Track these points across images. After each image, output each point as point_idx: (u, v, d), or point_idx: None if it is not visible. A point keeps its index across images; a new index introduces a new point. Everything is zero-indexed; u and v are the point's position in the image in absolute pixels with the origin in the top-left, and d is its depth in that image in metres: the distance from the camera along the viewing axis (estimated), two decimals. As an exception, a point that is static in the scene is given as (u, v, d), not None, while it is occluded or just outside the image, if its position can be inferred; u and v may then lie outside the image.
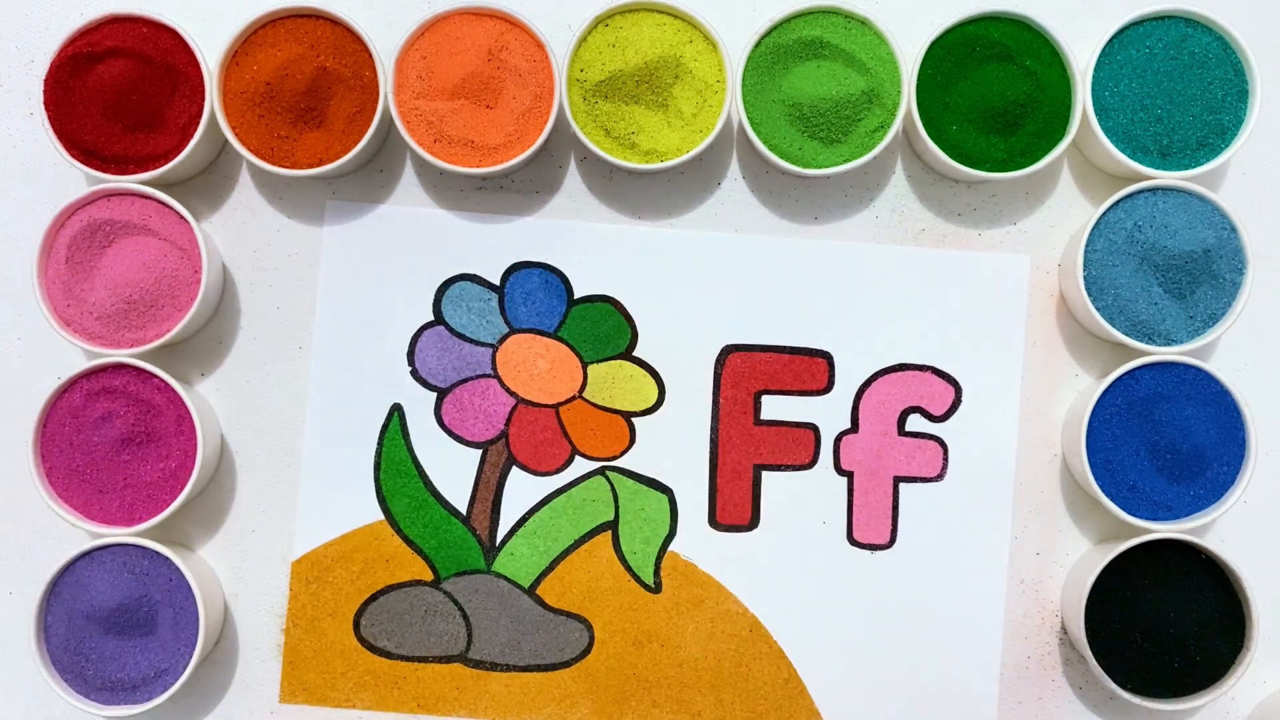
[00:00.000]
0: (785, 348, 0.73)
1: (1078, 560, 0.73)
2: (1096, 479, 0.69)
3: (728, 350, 0.74)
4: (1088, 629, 0.69)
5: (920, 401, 0.73)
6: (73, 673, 0.69)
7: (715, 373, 0.74)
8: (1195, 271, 0.69)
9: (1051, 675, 0.73)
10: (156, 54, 0.70)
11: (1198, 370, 0.70)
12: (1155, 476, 0.70)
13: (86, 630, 0.69)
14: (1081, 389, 0.73)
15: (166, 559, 0.69)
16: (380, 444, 0.73)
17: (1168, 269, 0.69)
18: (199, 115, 0.70)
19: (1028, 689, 0.73)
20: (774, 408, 0.73)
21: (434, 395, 0.73)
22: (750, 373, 0.73)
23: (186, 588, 0.69)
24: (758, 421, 0.73)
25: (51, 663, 0.69)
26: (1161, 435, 0.69)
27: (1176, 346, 0.70)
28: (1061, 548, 0.74)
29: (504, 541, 0.73)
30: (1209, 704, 0.69)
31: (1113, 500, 0.69)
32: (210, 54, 0.70)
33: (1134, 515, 0.69)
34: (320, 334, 0.74)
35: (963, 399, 0.73)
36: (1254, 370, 0.74)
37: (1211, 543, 0.69)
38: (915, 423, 0.73)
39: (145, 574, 0.70)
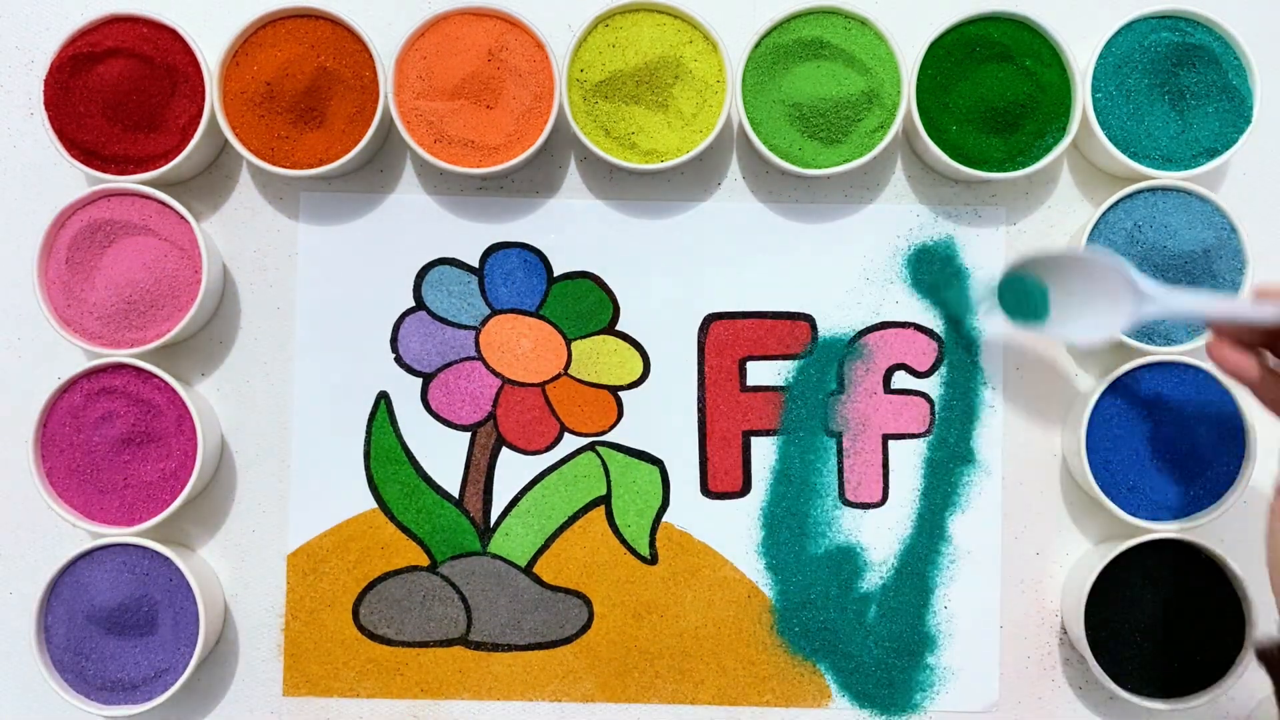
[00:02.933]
0: (767, 313, 0.74)
1: (1077, 560, 0.73)
2: (1096, 479, 0.69)
3: (710, 319, 0.74)
4: (1087, 629, 0.69)
5: (904, 358, 0.74)
6: (73, 673, 0.69)
7: (699, 342, 0.74)
8: (1195, 271, 0.69)
9: (1051, 675, 0.73)
10: (156, 54, 0.70)
11: (1198, 370, 0.70)
12: (1155, 476, 0.70)
13: (87, 630, 0.69)
14: (1081, 389, 0.73)
15: (166, 559, 0.69)
16: (369, 432, 0.74)
17: (1168, 269, 0.69)
18: (199, 115, 0.70)
19: (1028, 689, 0.73)
20: (759, 373, 0.74)
21: (420, 381, 0.74)
22: (733, 340, 0.74)
23: (186, 588, 0.69)
24: (744, 388, 0.74)
25: (52, 663, 0.69)
26: (1161, 435, 0.69)
27: (1176, 346, 0.70)
28: (1061, 548, 0.74)
29: (498, 522, 0.73)
30: (1209, 704, 0.69)
31: (1113, 500, 0.69)
32: (210, 54, 0.70)
33: (1134, 515, 0.69)
34: (302, 325, 0.74)
35: (945, 353, 0.73)
36: (1254, 370, 0.74)
37: (1211, 543, 0.69)
38: (900, 380, 0.74)
39: (145, 574, 0.70)
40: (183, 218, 0.70)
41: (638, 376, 0.74)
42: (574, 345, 0.74)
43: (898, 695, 0.73)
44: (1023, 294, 0.68)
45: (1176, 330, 0.70)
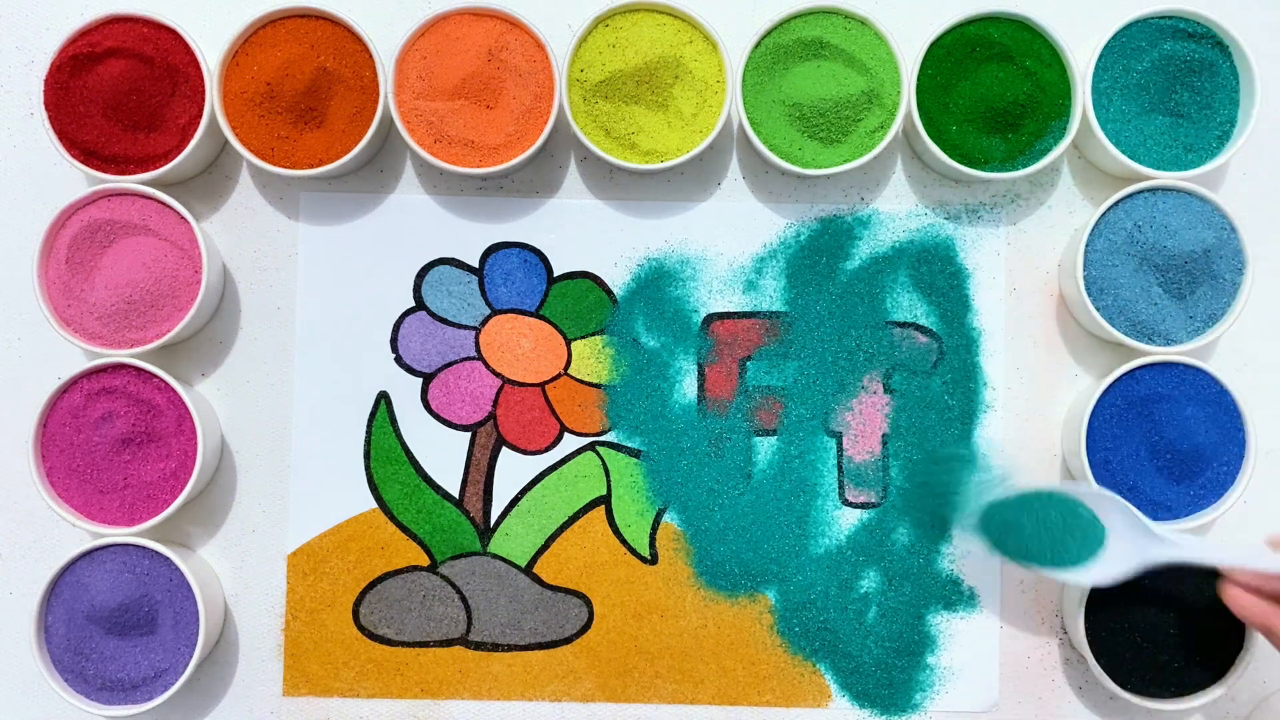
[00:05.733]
0: (767, 313, 0.74)
1: (1078, 560, 0.73)
2: (1096, 479, 0.69)
3: (710, 319, 0.74)
4: (1088, 629, 0.69)
5: (904, 358, 0.73)
6: (73, 673, 0.69)
7: (699, 342, 0.74)
8: (1195, 271, 0.69)
9: (1051, 675, 0.73)
10: (156, 54, 0.70)
11: (1197, 370, 0.70)
12: (1155, 476, 0.70)
13: (87, 630, 0.69)
14: (1081, 389, 0.73)
15: (166, 559, 0.69)
16: (369, 432, 0.74)
17: (1168, 269, 0.69)
18: (199, 115, 0.70)
19: (1028, 689, 0.73)
20: (759, 373, 0.74)
21: (420, 381, 0.74)
22: (733, 340, 0.74)
23: (187, 588, 0.69)
24: (744, 388, 0.74)
25: (52, 663, 0.69)
26: (1161, 435, 0.69)
27: (1176, 346, 0.70)
28: (1061, 548, 0.74)
29: (498, 522, 0.73)
30: (1209, 704, 0.69)
31: (1113, 500, 0.69)
32: (210, 54, 0.70)
33: (1134, 515, 0.69)
34: (302, 326, 0.74)
35: (945, 353, 0.73)
36: (1254, 370, 0.74)
37: (1211, 543, 0.69)
38: (900, 380, 0.73)
39: (145, 574, 0.70)
40: (183, 218, 0.70)
41: (638, 376, 0.74)
42: (574, 345, 0.74)
43: (898, 695, 0.73)
44: (1032, 525, 0.65)
45: (1176, 330, 0.70)
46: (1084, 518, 0.65)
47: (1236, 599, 0.62)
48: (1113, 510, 0.65)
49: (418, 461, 0.74)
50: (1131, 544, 0.63)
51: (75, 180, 0.74)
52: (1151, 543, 0.63)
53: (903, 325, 0.74)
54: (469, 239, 0.74)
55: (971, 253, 0.74)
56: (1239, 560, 0.61)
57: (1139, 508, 0.69)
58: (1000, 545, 0.66)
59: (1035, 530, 0.65)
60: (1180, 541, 0.62)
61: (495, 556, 0.73)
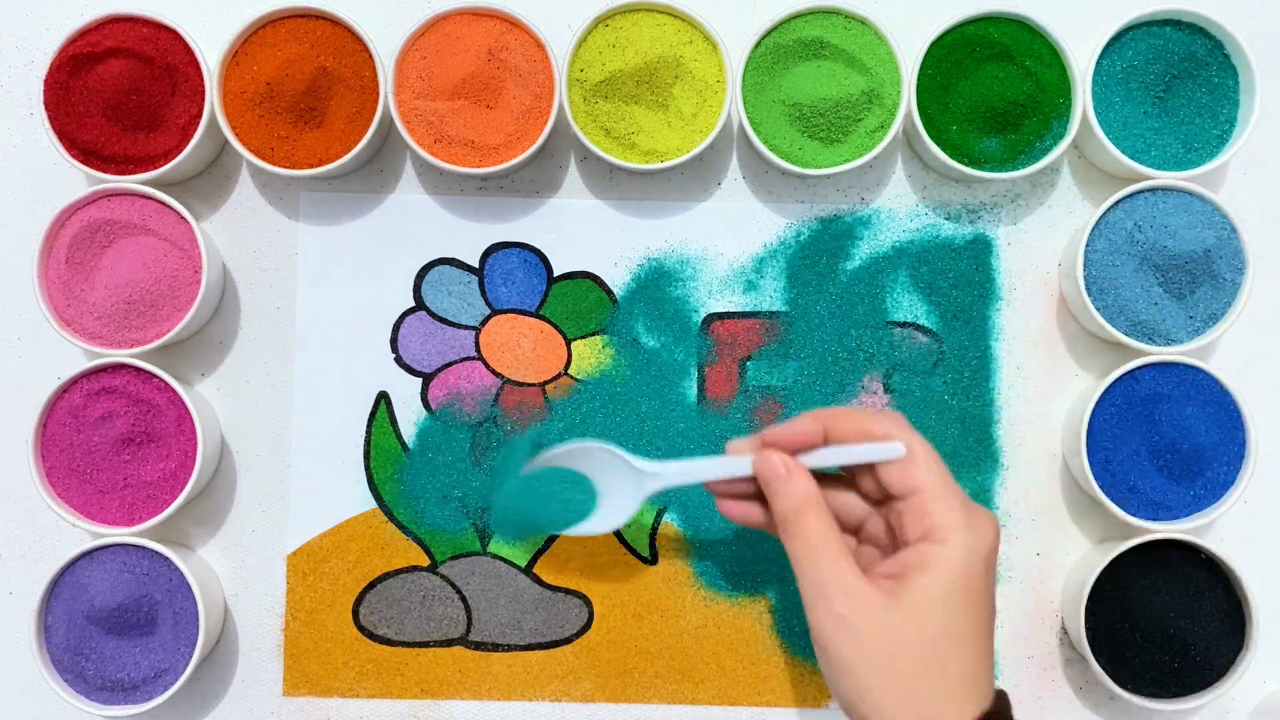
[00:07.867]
0: (767, 313, 0.74)
1: (1078, 560, 0.73)
2: (1096, 479, 0.69)
3: (710, 319, 0.74)
4: (1088, 629, 0.69)
5: (904, 358, 0.73)
6: (73, 673, 0.69)
7: (699, 342, 0.74)
8: (1195, 271, 0.69)
9: (1051, 675, 0.73)
10: (156, 54, 0.70)
11: (1198, 370, 0.70)
12: (1155, 476, 0.70)
13: (87, 630, 0.69)
14: (1081, 389, 0.73)
15: (166, 559, 0.69)
16: (369, 432, 0.74)
17: (1168, 269, 0.69)
18: (199, 115, 0.70)
19: (1028, 689, 0.73)
20: (759, 373, 0.74)
21: (419, 381, 0.74)
22: (733, 340, 0.74)
23: (187, 588, 0.69)
24: (744, 388, 0.73)
25: (51, 663, 0.69)
26: (1161, 435, 0.69)
27: (1176, 346, 0.70)
28: (1061, 548, 0.74)
29: (499, 522, 0.74)
30: (1209, 704, 0.69)
31: (1113, 500, 0.69)
32: (210, 54, 0.70)
33: (1134, 515, 0.69)
34: (302, 325, 0.74)
35: (946, 353, 0.73)
36: (1254, 370, 0.74)
37: (1211, 543, 0.69)
38: (900, 380, 0.73)
39: (145, 574, 0.70)
40: (183, 218, 0.70)
41: (638, 376, 0.74)
42: (574, 345, 0.74)
43: (898, 695, 0.73)
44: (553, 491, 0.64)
45: (1176, 330, 0.70)
46: (573, 477, 0.63)
47: (728, 510, 0.61)
48: (601, 459, 0.63)
49: (418, 461, 0.74)
50: (631, 484, 0.62)
51: (75, 180, 0.74)
52: (643, 479, 0.62)
53: (903, 325, 0.74)
54: (469, 239, 0.74)
55: (972, 253, 0.74)
56: (708, 474, 0.60)
57: (1139, 508, 0.70)
58: (518, 530, 0.67)
59: (541, 503, 0.63)
60: (662, 471, 0.61)
61: (495, 556, 0.73)
